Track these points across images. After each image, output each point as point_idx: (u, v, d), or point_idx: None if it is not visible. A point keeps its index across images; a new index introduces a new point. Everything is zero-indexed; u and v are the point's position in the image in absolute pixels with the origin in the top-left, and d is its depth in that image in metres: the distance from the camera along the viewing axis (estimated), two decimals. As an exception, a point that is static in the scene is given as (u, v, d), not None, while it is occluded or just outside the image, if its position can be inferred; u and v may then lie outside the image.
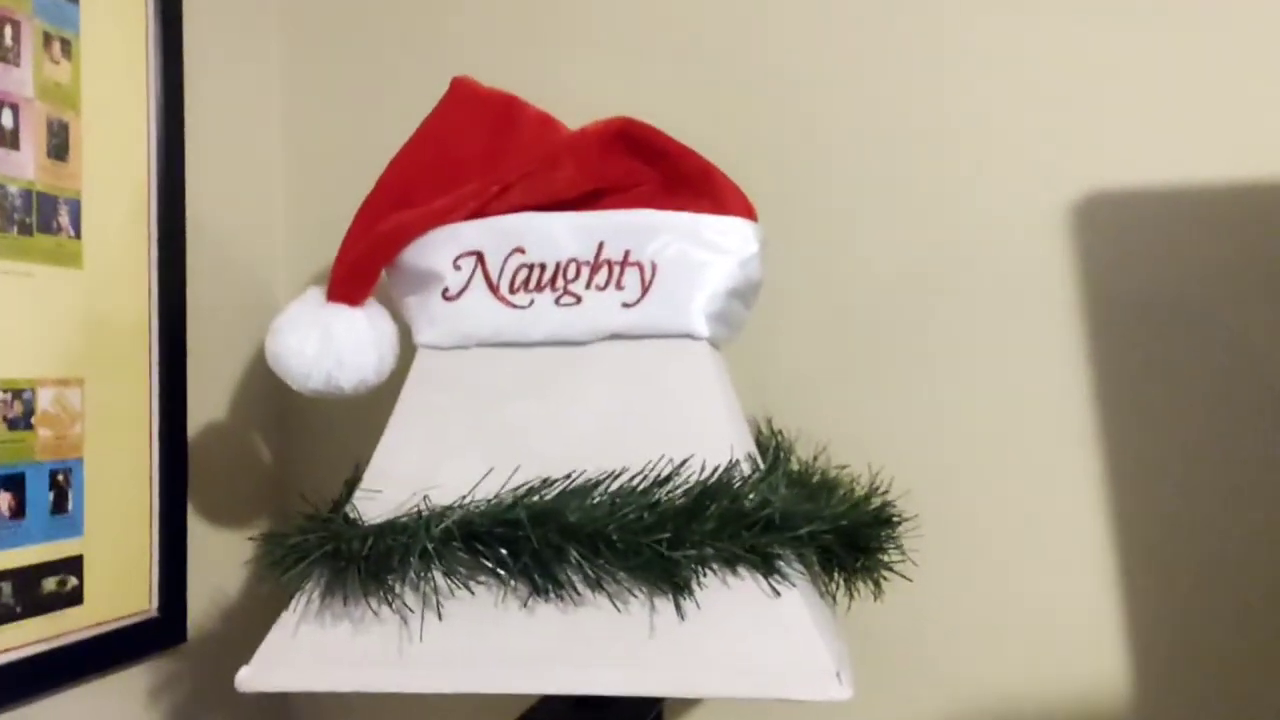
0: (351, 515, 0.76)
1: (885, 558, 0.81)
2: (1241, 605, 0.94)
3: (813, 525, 0.73)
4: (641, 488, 0.72)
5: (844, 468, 0.92)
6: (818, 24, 1.05)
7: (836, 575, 0.82)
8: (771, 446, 0.97)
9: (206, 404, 1.08)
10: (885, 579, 0.82)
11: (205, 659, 1.07)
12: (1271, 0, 0.94)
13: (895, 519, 0.81)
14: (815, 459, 0.99)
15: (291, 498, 1.18)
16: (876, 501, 0.81)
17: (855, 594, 0.82)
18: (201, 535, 1.06)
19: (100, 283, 0.93)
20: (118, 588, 0.95)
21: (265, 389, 1.16)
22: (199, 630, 1.06)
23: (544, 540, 0.70)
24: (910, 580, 0.82)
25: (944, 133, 1.02)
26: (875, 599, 0.82)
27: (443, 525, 0.70)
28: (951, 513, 0.99)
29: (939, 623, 1.00)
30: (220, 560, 1.10)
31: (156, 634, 1.00)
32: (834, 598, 0.84)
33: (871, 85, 1.04)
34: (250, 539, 1.12)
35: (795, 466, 0.88)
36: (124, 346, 0.96)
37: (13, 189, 0.85)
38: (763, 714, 1.02)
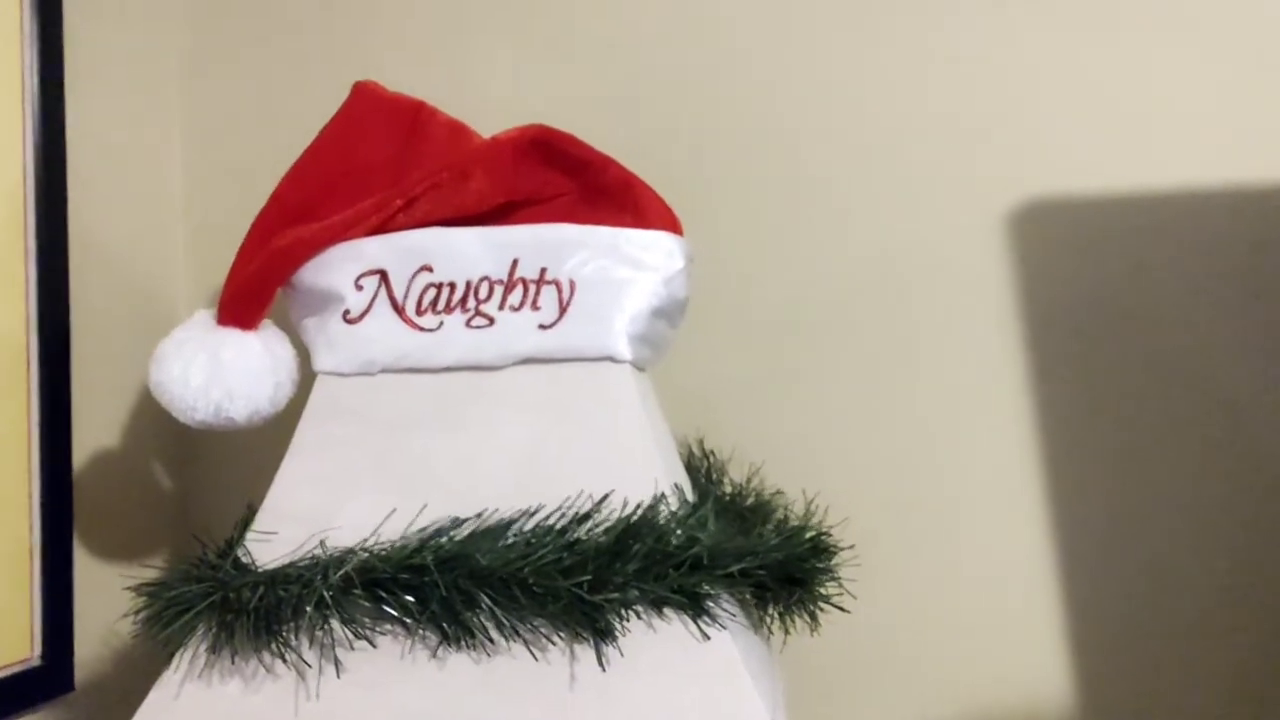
0: (244, 560, 0.69)
1: (822, 590, 0.76)
2: (1182, 614, 0.92)
3: (744, 562, 0.68)
4: (559, 526, 0.67)
5: (778, 493, 0.87)
6: (747, 26, 1.01)
7: (771, 610, 0.77)
8: (703, 470, 0.93)
9: (94, 429, 1.00)
10: (823, 610, 0.78)
11: (94, 710, 0.99)
12: (1212, 8, 0.92)
13: (831, 549, 0.77)
14: (749, 481, 0.94)
15: (193, 530, 1.10)
16: (811, 532, 0.77)
17: (791, 629, 0.78)
18: (90, 573, 0.98)
19: (-32, 302, 0.85)
20: (-8, 636, 0.87)
21: (160, 413, 1.08)
22: (88, 677, 0.98)
23: (453, 586, 0.64)
24: (848, 612, 0.77)
25: (880, 140, 0.99)
26: (812, 633, 0.77)
27: (342, 571, 0.64)
28: (890, 536, 0.95)
29: (878, 653, 0.96)
30: (111, 601, 1.02)
31: (39, 683, 0.92)
32: (769, 632, 0.79)
33: (805, 91, 1.00)
34: (127, 589, 1.05)
35: (729, 489, 0.83)
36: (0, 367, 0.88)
37: None
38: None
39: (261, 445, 1.08)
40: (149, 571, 1.05)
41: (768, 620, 0.78)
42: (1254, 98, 0.92)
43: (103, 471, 1.01)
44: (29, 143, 0.92)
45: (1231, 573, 0.91)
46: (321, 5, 1.11)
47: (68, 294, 0.95)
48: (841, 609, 0.77)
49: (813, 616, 0.78)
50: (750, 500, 0.89)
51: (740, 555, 0.68)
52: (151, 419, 1.07)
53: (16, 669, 0.89)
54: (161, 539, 1.09)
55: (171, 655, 0.67)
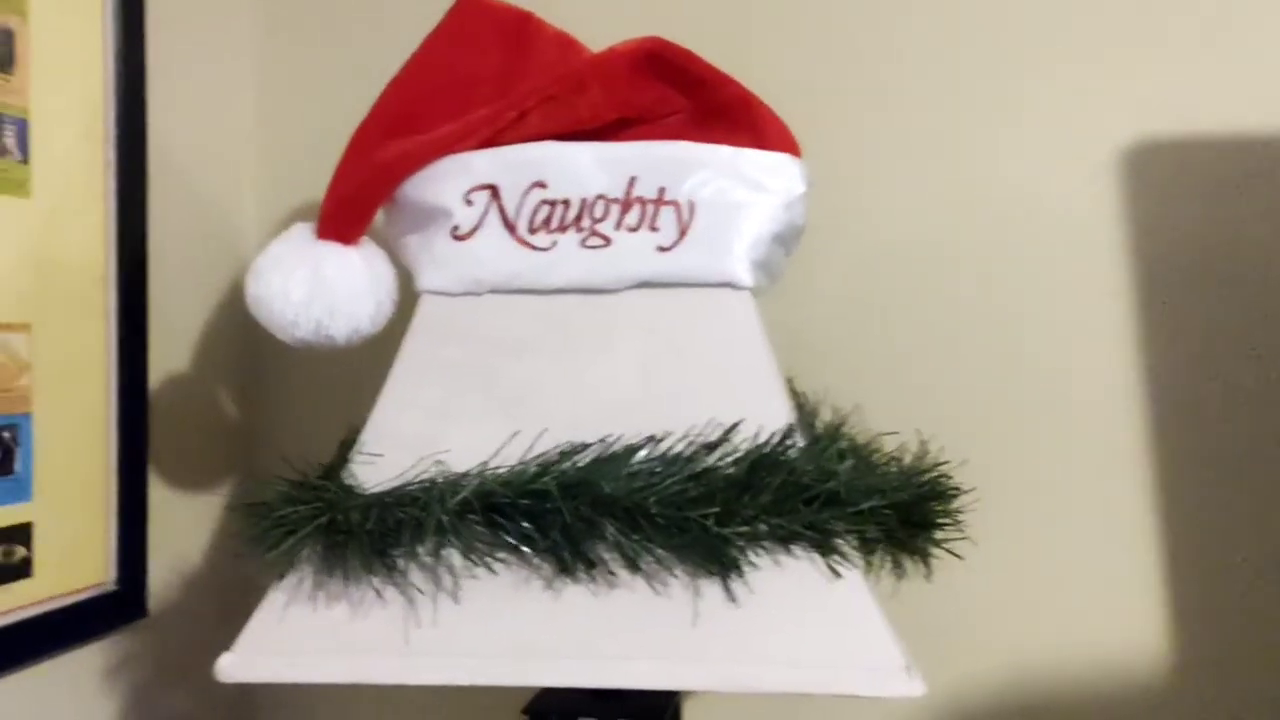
0: (349, 482, 0.66)
1: (941, 534, 0.73)
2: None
3: (876, 499, 0.65)
4: (686, 455, 0.63)
5: (890, 434, 0.84)
6: None
7: (881, 554, 0.74)
8: (800, 408, 0.89)
9: (168, 354, 0.97)
10: (938, 559, 0.75)
11: (167, 635, 0.97)
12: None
13: (953, 492, 0.74)
14: (841, 425, 0.91)
15: (262, 460, 1.08)
16: (933, 473, 0.73)
17: (903, 574, 0.75)
18: (163, 500, 0.96)
19: (51, 214, 0.82)
20: (71, 558, 0.85)
21: (234, 337, 1.06)
22: (160, 603, 0.96)
23: (575, 514, 0.61)
24: (961, 558, 0.74)
25: (992, 74, 0.94)
26: (926, 579, 0.74)
27: (460, 496, 0.61)
28: (992, 482, 0.92)
29: (985, 600, 0.94)
30: (183, 527, 1.00)
31: (115, 608, 0.90)
32: (876, 577, 0.76)
33: (919, 22, 0.95)
34: (230, 508, 1.02)
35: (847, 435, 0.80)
36: (77, 287, 0.85)
37: (-51, 102, 0.73)
38: (794, 706, 0.95)
39: (330, 376, 1.06)
40: (220, 498, 1.04)
41: (876, 565, 0.75)
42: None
43: (174, 396, 0.99)
44: (110, 51, 0.88)
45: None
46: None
47: (146, 213, 0.92)
48: (956, 555, 0.74)
49: (926, 563, 0.75)
50: (851, 443, 0.85)
51: (872, 493, 0.65)
52: (225, 343, 1.05)
53: (93, 593, 0.87)
54: (231, 467, 1.06)
55: (246, 582, 0.65)
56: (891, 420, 0.89)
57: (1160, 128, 0.93)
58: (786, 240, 0.76)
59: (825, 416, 0.91)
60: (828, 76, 0.97)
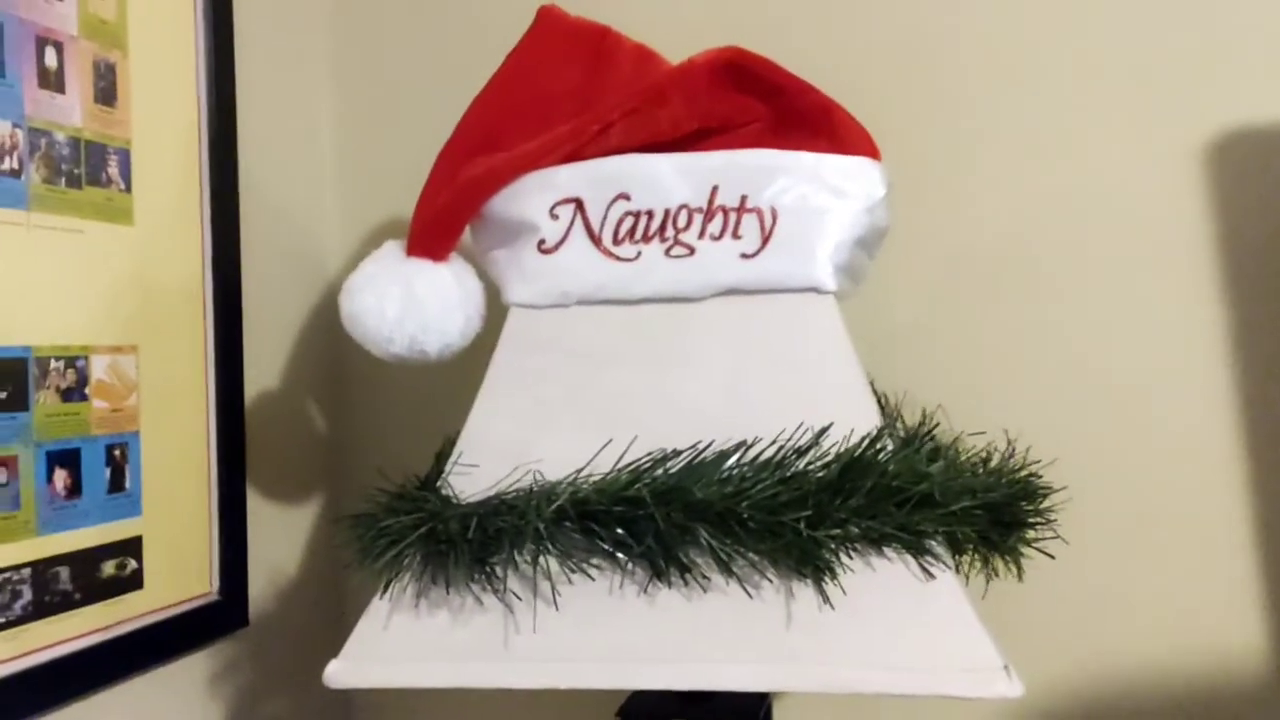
0: (446, 493, 0.68)
1: (1032, 534, 0.73)
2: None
3: (967, 500, 0.65)
4: (776, 459, 0.64)
5: (977, 434, 0.83)
6: None
7: (972, 554, 0.74)
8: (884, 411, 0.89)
9: (263, 372, 1.01)
10: (1029, 559, 0.74)
11: (267, 643, 1.00)
12: None
13: (1044, 491, 0.73)
14: (923, 425, 0.91)
15: (354, 473, 1.11)
16: (1023, 473, 0.73)
17: (994, 575, 0.74)
18: (258, 512, 0.99)
19: (152, 240, 0.85)
20: (178, 570, 0.88)
21: (324, 353, 1.09)
22: (260, 613, 0.99)
23: (669, 520, 0.62)
24: (1053, 558, 0.74)
25: (1069, 69, 0.94)
26: (1019, 579, 0.74)
27: (555, 504, 0.63)
28: (1082, 483, 0.91)
29: (1078, 600, 0.93)
30: (278, 538, 1.03)
31: (218, 618, 0.93)
32: (966, 578, 0.76)
33: (990, 21, 0.95)
34: (331, 521, 1.05)
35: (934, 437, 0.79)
36: (178, 309, 0.89)
37: (60, 136, 0.76)
38: (879, 707, 0.95)
39: (417, 391, 1.09)
40: (312, 510, 1.07)
41: (963, 565, 0.75)
42: None
43: (269, 412, 1.02)
44: (202, 84, 0.91)
45: None
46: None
47: (239, 236, 0.95)
48: (1048, 555, 0.74)
49: (1017, 564, 0.74)
50: (937, 444, 0.85)
51: (963, 493, 0.65)
52: (314, 359, 1.08)
53: (198, 603, 0.91)
54: (322, 480, 1.09)
55: (342, 592, 0.67)
56: (978, 421, 0.88)
57: (1242, 120, 0.91)
58: (869, 243, 0.76)
59: (909, 418, 0.91)
60: (908, 79, 0.97)
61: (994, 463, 0.75)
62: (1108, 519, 0.92)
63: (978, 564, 0.74)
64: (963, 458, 0.75)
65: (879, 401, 0.90)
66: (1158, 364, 0.92)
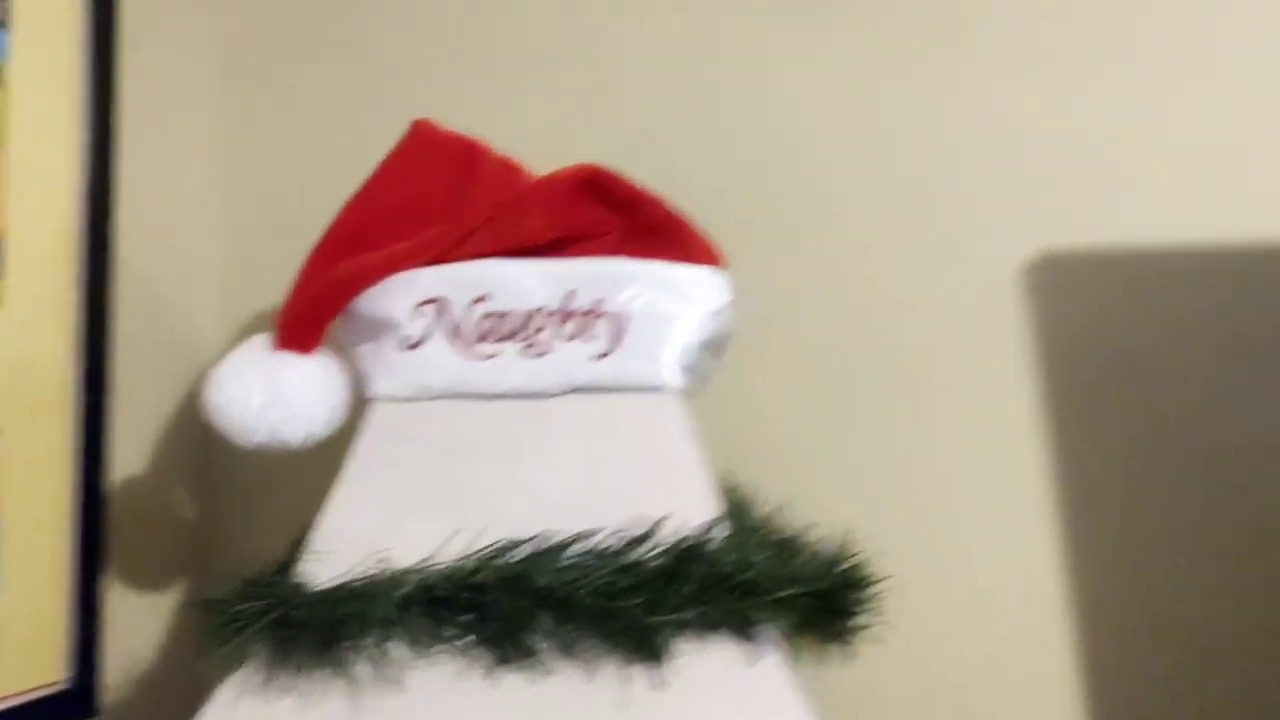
0: (298, 579, 0.70)
1: (859, 621, 0.78)
2: (1202, 666, 0.94)
3: (793, 589, 0.70)
4: (616, 549, 0.68)
5: (810, 525, 0.89)
6: (786, 76, 1.05)
7: (808, 641, 0.79)
8: (733, 503, 0.94)
9: (129, 457, 1.01)
10: (857, 644, 0.79)
11: (120, 733, 0.99)
12: (1226, 65, 0.97)
13: (869, 581, 0.79)
14: (773, 516, 0.96)
15: (217, 560, 1.11)
16: (850, 562, 0.79)
17: (826, 659, 0.79)
18: (121, 600, 0.98)
19: (21, 324, 0.87)
20: (29, 655, 0.87)
21: (193, 442, 1.10)
22: (116, 701, 0.97)
23: (512, 606, 0.66)
24: (884, 642, 0.79)
25: (906, 187, 1.02)
26: (846, 664, 0.79)
27: (404, 590, 0.65)
28: (913, 571, 0.97)
29: (904, 683, 0.98)
30: (139, 626, 1.02)
31: (66, 707, 0.92)
32: (800, 661, 0.81)
33: (838, 140, 1.03)
34: (185, 607, 1.05)
35: (768, 528, 0.85)
36: (44, 394, 0.89)
37: (-70, 222, 0.78)
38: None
39: (284, 478, 1.10)
40: (175, 598, 1.07)
41: (798, 651, 0.79)
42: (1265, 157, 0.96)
43: (133, 499, 1.02)
44: (82, 175, 0.94)
45: (1234, 619, 0.94)
46: (363, 47, 1.14)
47: (111, 323, 0.97)
48: (876, 640, 0.79)
49: (847, 648, 0.79)
50: (779, 534, 0.90)
51: (789, 581, 0.70)
52: (183, 448, 1.08)
53: (47, 691, 0.89)
54: (186, 566, 1.09)
55: (199, 680, 0.68)
56: (821, 513, 0.93)
57: (1063, 241, 1.00)
58: (715, 346, 0.82)
59: (760, 511, 0.96)
60: (755, 193, 1.04)
61: (827, 553, 0.80)
62: (933, 609, 0.98)
63: (810, 647, 0.79)
64: (798, 548, 0.81)
65: (735, 496, 0.96)
66: (984, 460, 0.99)
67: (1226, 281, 0.97)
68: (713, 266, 0.82)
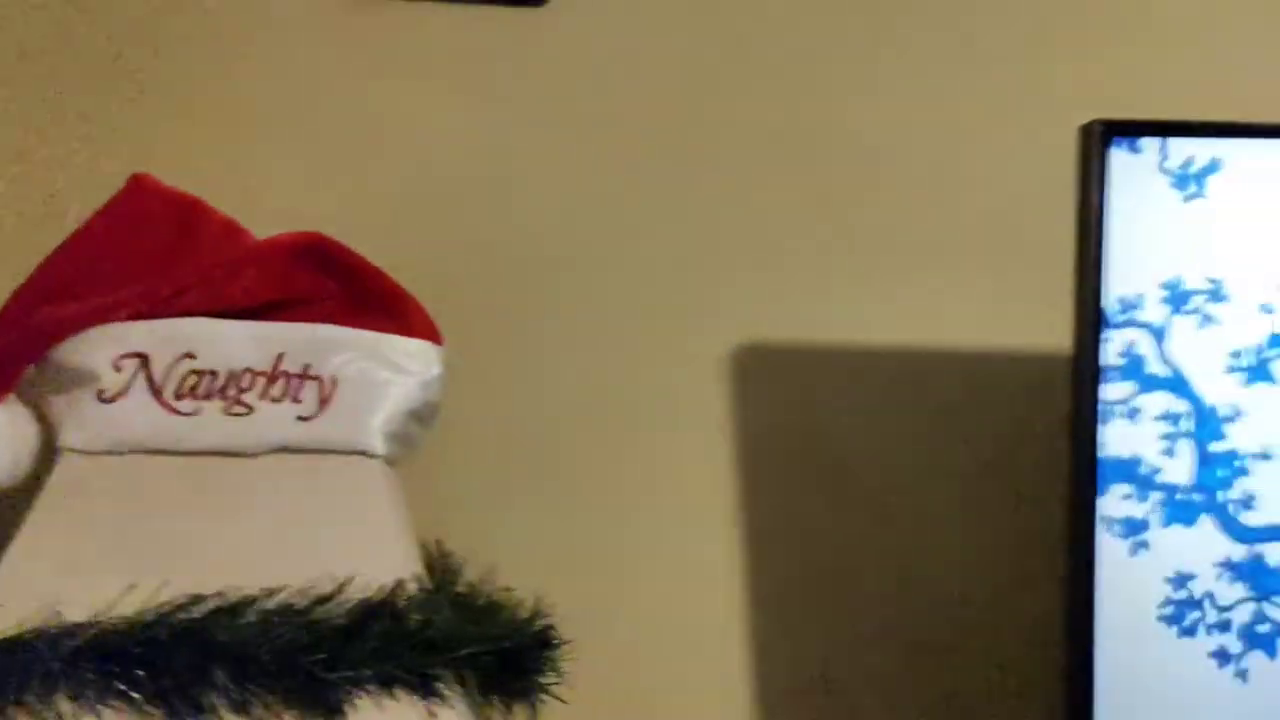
0: (-38, 633, 0.68)
1: (543, 679, 0.82)
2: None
3: (475, 646, 0.74)
4: (299, 606, 0.70)
5: (508, 589, 0.93)
6: (512, 162, 1.10)
7: (494, 699, 0.83)
8: (441, 568, 0.97)
9: None
10: (543, 701, 0.84)
11: None
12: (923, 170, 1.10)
13: (555, 642, 0.84)
14: (481, 582, 1.00)
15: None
16: (539, 624, 0.83)
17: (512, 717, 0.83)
18: None
19: None
20: None
21: None
22: None
23: (188, 661, 0.66)
24: (565, 703, 0.84)
25: (614, 276, 1.09)
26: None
27: (73, 643, 0.65)
28: (606, 637, 1.03)
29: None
30: None
31: None
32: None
33: (551, 221, 1.10)
34: None
35: (463, 589, 0.88)
36: None
37: None
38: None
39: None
40: None
41: (489, 710, 0.83)
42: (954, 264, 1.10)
43: None
44: None
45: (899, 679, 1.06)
46: (90, 96, 1.12)
47: None
48: (560, 699, 0.84)
49: (534, 706, 0.84)
50: (482, 600, 0.94)
51: (472, 639, 0.74)
52: None
53: None
54: None
55: None
56: (519, 580, 0.98)
57: (760, 335, 1.11)
58: (423, 416, 0.86)
59: (468, 576, 1.00)
60: (476, 270, 1.09)
61: (515, 615, 0.85)
62: (614, 675, 1.04)
63: (498, 707, 0.83)
64: (489, 609, 0.85)
65: (443, 561, 0.99)
66: (674, 543, 1.08)
67: (926, 382, 1.10)
68: (427, 340, 0.86)
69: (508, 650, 0.79)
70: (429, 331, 0.87)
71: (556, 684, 0.83)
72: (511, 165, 1.11)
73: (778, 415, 1.10)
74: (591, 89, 1.11)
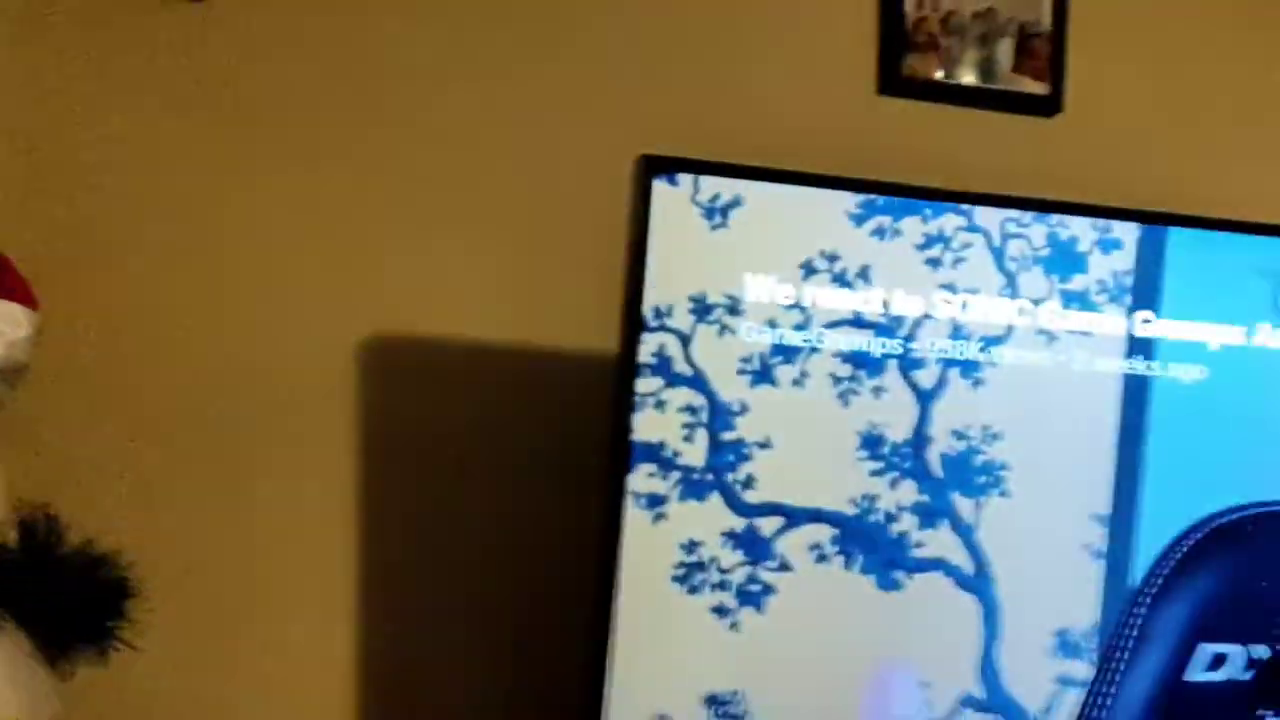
0: None
1: (114, 626, 0.88)
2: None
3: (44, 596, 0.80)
4: None
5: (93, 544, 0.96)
6: (155, 155, 1.13)
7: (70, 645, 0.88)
8: (44, 531, 1.00)
9: None
10: (116, 649, 0.90)
11: None
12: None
13: (128, 593, 0.90)
14: (85, 545, 1.02)
15: None
16: (114, 574, 0.89)
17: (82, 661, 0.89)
18: None
19: None
20: None
21: None
22: None
23: None
24: (136, 649, 0.89)
25: (242, 267, 1.14)
26: (103, 667, 0.89)
27: None
28: (206, 604, 1.10)
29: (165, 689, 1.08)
30: None
31: None
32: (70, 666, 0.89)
33: (187, 209, 1.13)
34: None
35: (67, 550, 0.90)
36: None
37: None
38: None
39: None
40: None
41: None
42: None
43: None
44: None
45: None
46: None
47: None
48: (132, 646, 0.90)
49: (103, 653, 0.89)
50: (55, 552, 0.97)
51: (42, 590, 0.80)
52: None
53: None
54: None
55: None
56: (111, 536, 1.00)
57: (391, 329, 1.17)
58: (7, 376, 0.90)
59: (72, 539, 1.02)
60: (110, 244, 1.11)
61: (93, 567, 0.90)
62: (208, 627, 1.11)
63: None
64: (70, 564, 0.90)
65: (45, 521, 1.01)
66: (293, 530, 1.14)
67: (535, 382, 1.20)
68: (20, 304, 0.90)
69: (79, 599, 0.85)
70: (24, 297, 0.91)
71: (127, 630, 0.89)
72: (160, 155, 1.13)
73: (403, 408, 1.16)
74: (221, 81, 1.15)
